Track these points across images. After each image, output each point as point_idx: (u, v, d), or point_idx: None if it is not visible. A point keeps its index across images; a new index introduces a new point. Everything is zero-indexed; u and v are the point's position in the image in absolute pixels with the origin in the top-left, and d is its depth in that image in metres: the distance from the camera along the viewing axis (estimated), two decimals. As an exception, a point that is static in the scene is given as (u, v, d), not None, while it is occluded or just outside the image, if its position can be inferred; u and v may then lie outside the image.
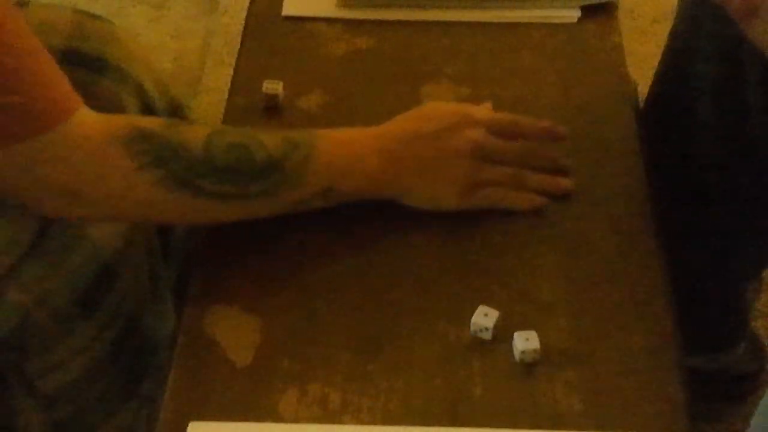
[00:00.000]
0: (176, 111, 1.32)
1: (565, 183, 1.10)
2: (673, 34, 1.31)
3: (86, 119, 0.98)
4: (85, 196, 0.99)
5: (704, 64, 1.23)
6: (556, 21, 1.30)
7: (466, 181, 1.08)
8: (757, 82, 1.17)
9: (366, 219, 1.10)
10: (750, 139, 1.22)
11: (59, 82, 0.98)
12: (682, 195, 1.29)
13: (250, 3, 1.35)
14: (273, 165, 1.01)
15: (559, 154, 1.12)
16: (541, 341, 0.97)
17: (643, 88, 1.35)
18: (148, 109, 1.25)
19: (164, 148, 0.98)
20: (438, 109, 1.11)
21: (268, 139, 1.02)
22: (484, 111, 1.12)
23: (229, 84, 1.26)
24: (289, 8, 1.32)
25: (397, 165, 1.06)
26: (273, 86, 1.20)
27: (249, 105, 1.21)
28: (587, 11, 1.31)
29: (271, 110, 1.19)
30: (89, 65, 1.20)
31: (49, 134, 0.95)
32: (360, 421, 0.94)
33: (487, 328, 0.99)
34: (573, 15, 1.30)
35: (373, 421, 0.94)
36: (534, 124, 1.12)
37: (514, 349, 0.98)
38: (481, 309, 1.00)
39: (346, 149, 1.06)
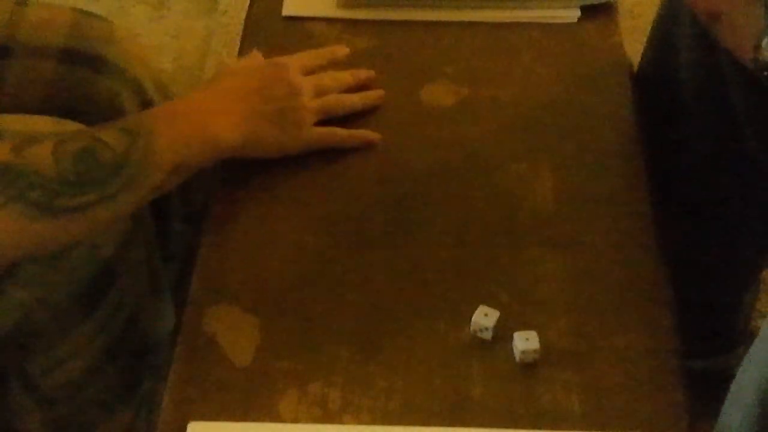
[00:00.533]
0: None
1: (376, 93, 1.20)
2: (655, 29, 1.31)
3: None
4: None
5: (686, 62, 1.23)
6: (556, 21, 1.30)
7: (303, 122, 1.12)
8: (736, 79, 1.17)
9: (365, 219, 1.10)
10: (739, 136, 1.21)
11: None
12: (676, 193, 1.29)
13: (250, 3, 1.35)
14: (120, 160, 0.99)
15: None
16: (541, 341, 0.97)
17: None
18: (146, 107, 1.25)
19: (18, 179, 0.95)
20: (249, 65, 1.16)
21: (108, 136, 1.00)
22: (288, 58, 1.17)
23: (229, 84, 1.26)
24: (289, 8, 1.32)
25: (240, 122, 1.08)
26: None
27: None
28: (587, 11, 1.30)
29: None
30: (88, 64, 1.20)
31: None
32: (360, 421, 0.94)
33: (487, 328, 0.99)
34: (573, 15, 1.30)
35: (373, 421, 0.94)
36: (330, 53, 1.21)
37: (514, 349, 0.98)
38: (481, 309, 1.00)
39: (185, 120, 1.06)
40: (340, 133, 1.15)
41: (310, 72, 1.17)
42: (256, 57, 1.19)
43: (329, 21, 1.30)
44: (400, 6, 1.31)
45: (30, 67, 1.20)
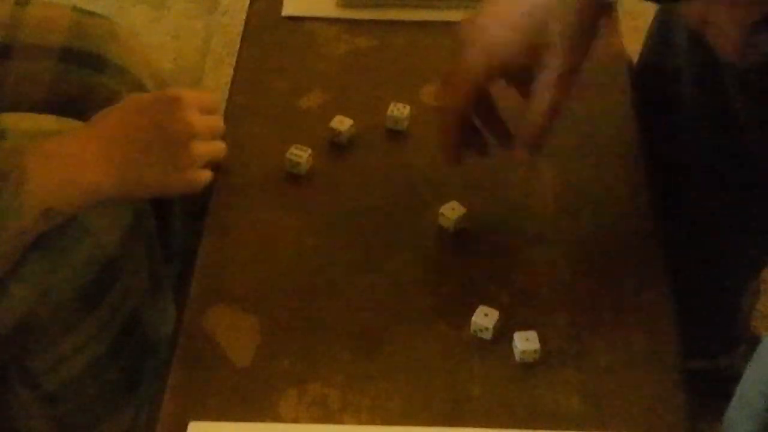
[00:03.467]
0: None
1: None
2: (653, 28, 1.31)
3: None
4: None
5: (683, 60, 1.23)
6: (556, 21, 1.30)
7: (189, 164, 1.05)
8: (733, 77, 1.17)
9: (365, 219, 1.10)
10: (738, 134, 1.21)
11: None
12: (675, 192, 1.29)
13: (250, 3, 1.35)
14: None
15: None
16: (541, 341, 0.98)
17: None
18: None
19: None
20: (143, 100, 1.08)
21: None
22: (187, 92, 1.08)
23: (229, 84, 1.26)
24: (289, 8, 1.32)
25: (119, 167, 1.02)
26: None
27: (249, 105, 1.22)
28: (587, 11, 1.30)
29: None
30: (89, 63, 1.20)
31: None
32: (360, 421, 0.94)
33: (487, 328, 0.99)
34: (573, 15, 1.30)
35: (373, 421, 0.94)
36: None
37: (514, 349, 0.98)
38: (481, 309, 1.00)
39: (60, 165, 1.00)
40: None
41: (209, 112, 1.10)
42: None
43: (329, 21, 1.31)
44: (400, 6, 1.31)
45: (31, 66, 1.20)
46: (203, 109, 1.09)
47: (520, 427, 0.93)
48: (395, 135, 1.17)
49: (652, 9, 1.32)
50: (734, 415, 0.92)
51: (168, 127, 1.05)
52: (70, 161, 1.02)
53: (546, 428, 0.93)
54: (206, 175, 1.07)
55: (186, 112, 1.06)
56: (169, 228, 1.30)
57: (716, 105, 1.21)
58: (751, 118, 1.19)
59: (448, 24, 1.30)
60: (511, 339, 0.98)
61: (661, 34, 1.28)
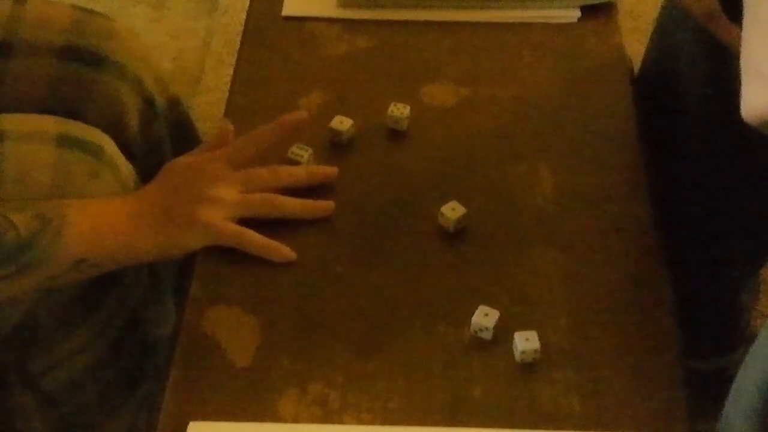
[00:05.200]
0: (175, 106, 1.32)
1: (323, 205, 1.09)
2: (657, 31, 1.31)
3: None
4: None
5: (690, 58, 1.23)
6: (556, 21, 1.30)
7: (211, 216, 1.06)
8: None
9: (365, 219, 1.10)
10: (741, 133, 1.21)
11: None
12: (676, 193, 1.29)
13: (250, 3, 1.35)
14: (23, 245, 0.99)
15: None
16: (541, 341, 0.98)
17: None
18: (147, 105, 1.25)
19: None
20: (178, 163, 1.11)
21: (19, 219, 0.99)
22: (224, 150, 1.11)
23: (229, 84, 1.26)
24: (289, 8, 1.32)
25: (150, 224, 1.05)
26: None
27: (249, 105, 1.22)
28: (587, 11, 1.31)
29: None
30: (88, 61, 1.20)
31: None
32: (360, 421, 0.94)
33: (487, 328, 0.99)
34: (573, 15, 1.30)
35: (373, 421, 0.94)
36: (280, 127, 1.12)
37: (514, 349, 0.98)
38: (481, 309, 1.00)
39: (98, 218, 1.04)
40: (252, 238, 1.06)
41: (246, 161, 1.10)
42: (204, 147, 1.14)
43: (329, 21, 1.31)
44: (400, 6, 1.31)
45: (30, 64, 1.20)
46: (240, 161, 1.09)
47: (520, 427, 0.93)
48: (395, 135, 1.18)
49: (652, 9, 1.32)
50: (730, 412, 0.92)
51: (189, 186, 1.07)
52: (107, 216, 1.04)
53: (546, 428, 0.93)
54: (227, 229, 1.05)
55: (209, 169, 1.08)
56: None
57: (720, 106, 1.21)
58: None
59: (448, 24, 1.30)
60: (511, 339, 0.98)
61: (665, 38, 1.28)
